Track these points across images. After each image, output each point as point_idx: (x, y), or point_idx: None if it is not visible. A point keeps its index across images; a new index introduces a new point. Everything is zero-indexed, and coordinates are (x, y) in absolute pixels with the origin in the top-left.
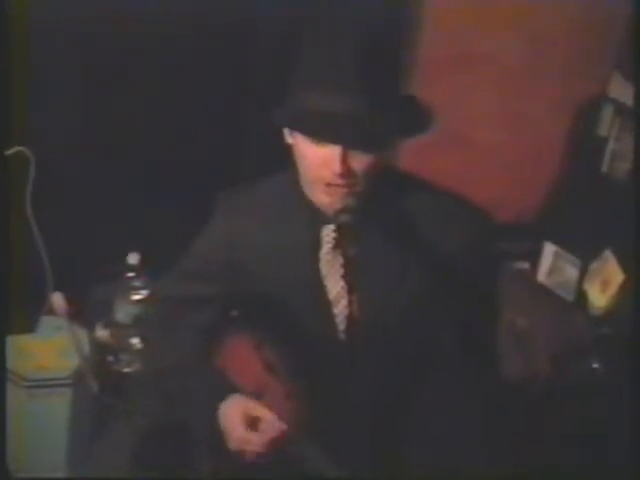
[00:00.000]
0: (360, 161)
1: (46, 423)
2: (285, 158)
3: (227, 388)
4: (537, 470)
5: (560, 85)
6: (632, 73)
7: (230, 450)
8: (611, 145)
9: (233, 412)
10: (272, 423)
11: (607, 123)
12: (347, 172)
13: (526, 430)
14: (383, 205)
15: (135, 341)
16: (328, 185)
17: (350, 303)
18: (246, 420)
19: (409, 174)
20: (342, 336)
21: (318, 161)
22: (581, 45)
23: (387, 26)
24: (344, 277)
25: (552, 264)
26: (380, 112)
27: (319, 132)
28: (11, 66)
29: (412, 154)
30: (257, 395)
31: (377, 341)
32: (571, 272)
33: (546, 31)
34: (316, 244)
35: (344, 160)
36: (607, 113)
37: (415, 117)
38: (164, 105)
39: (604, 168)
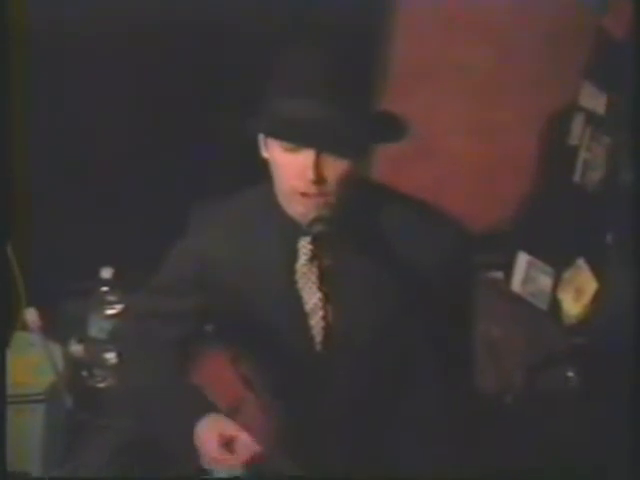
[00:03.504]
0: (334, 169)
1: (20, 439)
2: (259, 171)
3: (203, 406)
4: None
5: (530, 95)
6: (604, 82)
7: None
8: (583, 154)
9: (209, 432)
10: (247, 444)
11: (578, 132)
12: (321, 179)
13: (500, 440)
14: (357, 216)
15: (109, 356)
16: (303, 195)
17: (326, 315)
18: (222, 440)
19: (382, 185)
20: (318, 348)
21: (292, 170)
22: (551, 55)
23: (359, 34)
24: (320, 288)
25: (526, 274)
26: (354, 118)
27: (292, 136)
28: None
29: (384, 165)
30: (233, 411)
31: (353, 352)
32: (545, 281)
33: (516, 41)
34: (292, 257)
35: (317, 166)
36: (578, 122)
37: (389, 124)
38: (135, 117)
39: (576, 177)
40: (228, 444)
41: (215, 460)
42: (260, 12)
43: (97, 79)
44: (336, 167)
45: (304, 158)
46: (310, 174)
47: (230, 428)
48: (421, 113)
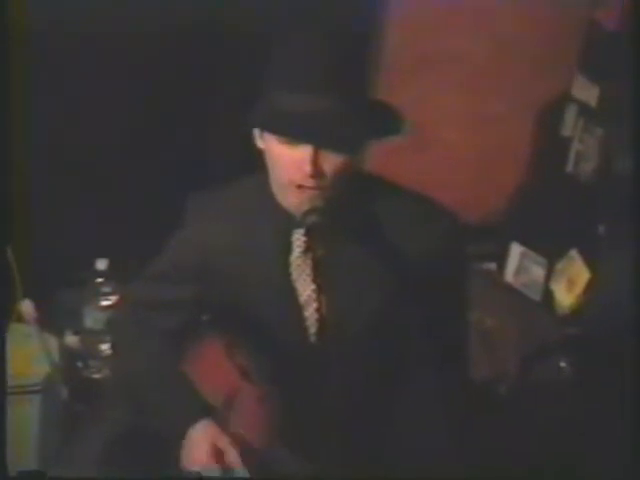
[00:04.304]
0: (331, 162)
1: (16, 430)
2: (254, 161)
3: (198, 405)
4: (504, 470)
5: (524, 86)
6: (597, 73)
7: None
8: (575, 145)
9: (201, 439)
10: (235, 460)
11: (571, 124)
12: (318, 173)
13: (494, 429)
14: (351, 207)
15: (105, 347)
16: (299, 187)
17: (320, 306)
18: (212, 450)
19: (376, 176)
20: (313, 339)
21: (289, 163)
22: (544, 46)
23: (355, 27)
24: (314, 280)
25: (519, 264)
26: (352, 112)
27: (290, 132)
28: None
29: (378, 156)
30: (228, 404)
31: (347, 343)
32: (538, 272)
33: (509, 33)
34: (286, 248)
35: (315, 161)
36: (571, 114)
37: (387, 119)
38: (132, 110)
39: (569, 168)
40: (218, 456)
41: (201, 467)
42: (258, 6)
43: (97, 74)
44: (334, 161)
45: (302, 152)
46: (307, 168)
47: (222, 441)
48: (415, 104)
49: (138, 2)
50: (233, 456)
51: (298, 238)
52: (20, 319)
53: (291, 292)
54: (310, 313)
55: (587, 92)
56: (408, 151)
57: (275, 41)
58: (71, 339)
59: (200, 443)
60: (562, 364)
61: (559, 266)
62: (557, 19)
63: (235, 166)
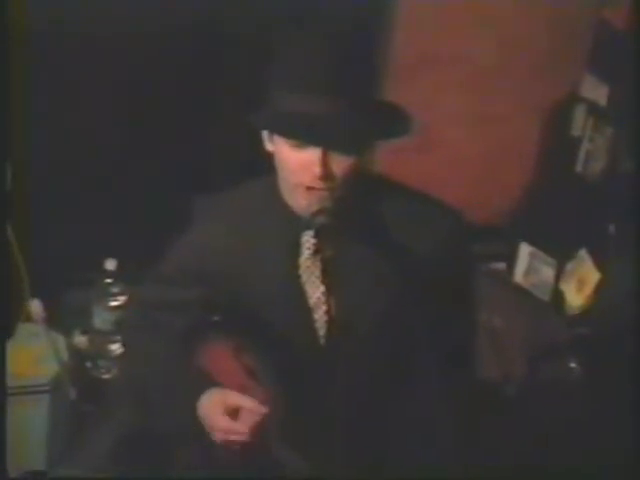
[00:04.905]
0: (340, 164)
1: (24, 430)
2: (261, 164)
3: (205, 383)
4: (513, 470)
5: (532, 86)
6: (606, 73)
7: (214, 444)
8: (585, 145)
9: (213, 404)
10: (253, 410)
11: (580, 123)
12: (327, 175)
13: (502, 430)
14: (359, 208)
15: (113, 347)
16: (308, 189)
17: (329, 308)
18: (227, 410)
19: (383, 177)
20: (322, 341)
21: (298, 165)
22: (551, 45)
23: (361, 27)
24: (323, 282)
25: (528, 265)
26: (358, 114)
27: (300, 134)
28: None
29: (385, 157)
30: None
31: (356, 346)
32: (547, 272)
33: (516, 32)
34: (296, 250)
35: (324, 163)
36: (580, 113)
37: (395, 119)
38: (136, 111)
39: (578, 168)
40: (234, 414)
41: (224, 430)
42: (258, 6)
43: (97, 74)
44: (342, 163)
45: (311, 154)
46: (317, 170)
47: (233, 397)
48: (422, 104)
49: (138, 2)
50: (249, 408)
51: (307, 240)
52: (29, 319)
53: (300, 294)
54: (320, 315)
55: (596, 91)
56: (414, 151)
57: (276, 41)
58: (80, 339)
59: (213, 407)
60: (571, 364)
61: (569, 266)
62: (565, 18)
63: (239, 166)
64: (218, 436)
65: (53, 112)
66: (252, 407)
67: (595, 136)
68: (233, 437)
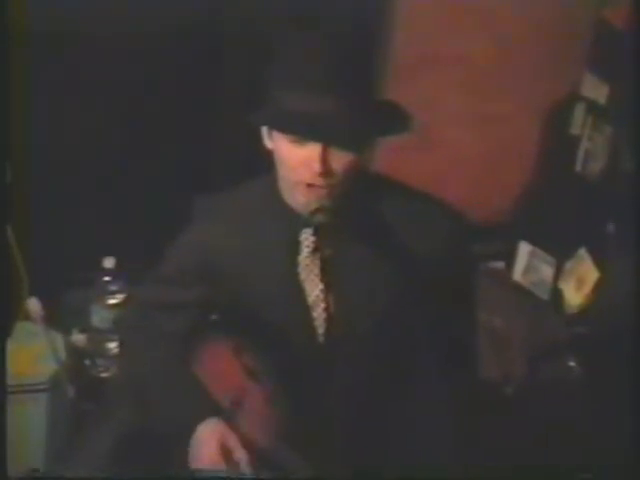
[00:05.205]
0: (340, 161)
1: (23, 429)
2: (260, 163)
3: (205, 405)
4: (512, 470)
5: (532, 85)
6: (606, 72)
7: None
8: (584, 144)
9: (210, 438)
10: (243, 459)
11: (579, 122)
12: (327, 171)
13: (501, 430)
14: (358, 207)
15: (112, 346)
16: (308, 186)
17: (328, 306)
18: (220, 449)
19: (383, 176)
20: (321, 339)
21: (298, 162)
22: (550, 44)
23: (361, 27)
24: (322, 280)
25: (527, 263)
26: (357, 111)
27: (300, 130)
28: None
29: (385, 156)
30: (236, 404)
31: (355, 344)
32: (546, 271)
33: (515, 31)
34: (295, 248)
35: (324, 159)
36: (579, 112)
37: (394, 117)
38: (136, 111)
39: (578, 167)
40: (227, 454)
41: (212, 464)
42: (262, 4)
43: (97, 74)
44: (342, 159)
45: (311, 150)
46: (317, 166)
47: (231, 440)
48: (422, 104)
49: (138, 2)
50: (241, 455)
51: (307, 238)
52: (27, 317)
53: (299, 292)
54: (318, 313)
55: (596, 90)
56: (414, 151)
57: (276, 41)
58: (78, 338)
59: (208, 441)
60: (571, 363)
61: (568, 265)
62: (565, 18)
63: (239, 165)
64: (201, 465)
65: (53, 112)
66: (243, 460)
67: (595, 135)
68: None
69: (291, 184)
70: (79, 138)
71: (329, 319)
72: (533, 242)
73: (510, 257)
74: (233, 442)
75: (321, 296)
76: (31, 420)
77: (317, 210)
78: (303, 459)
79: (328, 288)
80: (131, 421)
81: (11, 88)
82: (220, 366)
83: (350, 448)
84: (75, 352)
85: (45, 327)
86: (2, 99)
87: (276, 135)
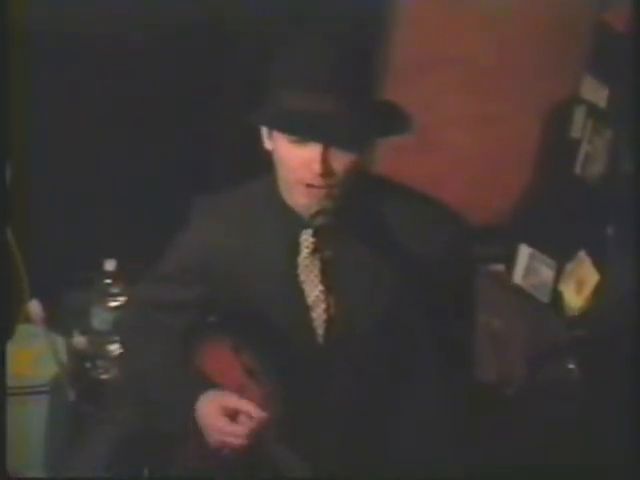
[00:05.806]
0: (340, 161)
1: (23, 430)
2: (260, 163)
3: (204, 383)
4: (512, 471)
5: (532, 87)
6: (606, 74)
7: (209, 447)
8: (584, 147)
9: (211, 406)
10: (251, 413)
11: (580, 125)
12: (327, 172)
13: (501, 431)
14: (358, 208)
15: (112, 348)
16: (308, 186)
17: (328, 307)
18: (225, 412)
19: (383, 177)
20: (320, 340)
21: (299, 162)
22: (551, 47)
23: (361, 27)
24: (322, 281)
25: (527, 266)
26: (357, 112)
27: (300, 129)
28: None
29: (386, 157)
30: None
31: (354, 345)
32: (546, 273)
33: (515, 33)
34: (294, 249)
35: (325, 160)
36: (579, 115)
37: (394, 118)
38: (135, 111)
39: (577, 170)
40: (232, 417)
41: (220, 432)
42: (262, 4)
43: (97, 74)
44: (343, 160)
45: (311, 151)
46: (317, 167)
47: (232, 400)
48: (422, 105)
49: (138, 2)
50: (248, 411)
51: (306, 239)
52: (28, 319)
53: (299, 293)
54: (318, 314)
55: (596, 93)
56: (414, 152)
57: (276, 41)
58: (79, 340)
59: (211, 410)
60: (571, 366)
61: (568, 268)
62: (565, 20)
63: (239, 165)
64: (215, 437)
65: (53, 112)
66: (250, 410)
67: (594, 138)
68: (229, 439)
69: (291, 184)
70: (79, 138)
71: (329, 320)
72: (533, 244)
73: (510, 259)
74: (233, 399)
75: (321, 297)
76: (32, 422)
77: (318, 212)
78: (302, 459)
79: (328, 289)
80: (131, 422)
81: (11, 88)
82: (219, 366)
83: (349, 448)
84: (76, 354)
85: (46, 329)
86: (2, 99)
87: (276, 135)
